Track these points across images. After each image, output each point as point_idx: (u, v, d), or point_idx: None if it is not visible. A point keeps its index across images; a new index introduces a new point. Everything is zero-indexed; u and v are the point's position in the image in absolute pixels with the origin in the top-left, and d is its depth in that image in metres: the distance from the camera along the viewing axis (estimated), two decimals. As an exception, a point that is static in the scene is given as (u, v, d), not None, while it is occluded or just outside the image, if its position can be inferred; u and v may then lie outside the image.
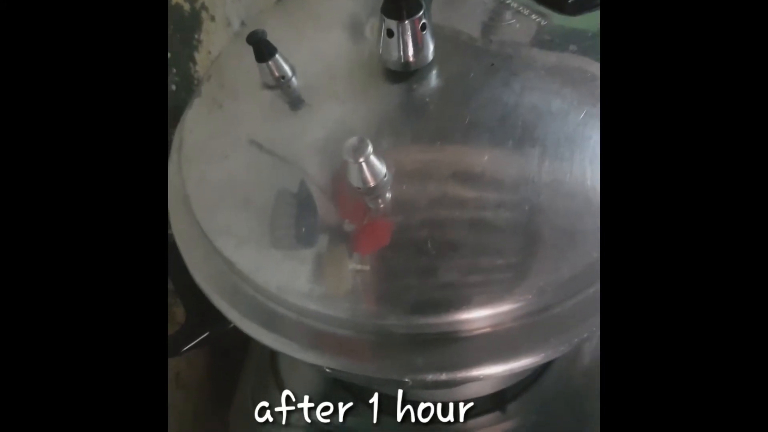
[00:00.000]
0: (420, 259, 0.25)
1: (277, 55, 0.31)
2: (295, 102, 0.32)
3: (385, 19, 0.28)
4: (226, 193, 0.30)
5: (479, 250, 0.26)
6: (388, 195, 0.27)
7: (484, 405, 0.43)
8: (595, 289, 0.26)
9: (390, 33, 0.28)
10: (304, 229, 0.28)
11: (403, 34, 0.28)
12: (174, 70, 0.48)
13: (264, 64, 0.31)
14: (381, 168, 0.26)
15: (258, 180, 0.30)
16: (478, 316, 0.25)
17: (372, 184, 0.25)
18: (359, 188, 0.26)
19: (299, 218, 0.28)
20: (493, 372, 0.26)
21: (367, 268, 0.26)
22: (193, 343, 0.33)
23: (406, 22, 0.27)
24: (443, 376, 0.26)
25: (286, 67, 0.32)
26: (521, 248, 0.26)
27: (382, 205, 0.27)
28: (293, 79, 0.32)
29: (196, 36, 0.52)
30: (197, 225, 0.29)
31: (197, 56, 0.53)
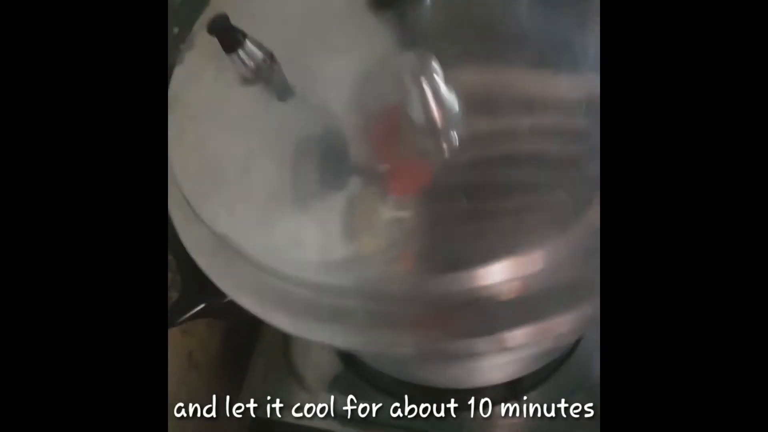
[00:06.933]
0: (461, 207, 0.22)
1: (247, 41, 0.26)
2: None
3: None
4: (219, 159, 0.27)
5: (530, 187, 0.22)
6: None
7: (499, 394, 0.41)
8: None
9: None
10: (313, 183, 0.25)
11: None
12: (176, 30, 0.45)
13: (234, 55, 0.26)
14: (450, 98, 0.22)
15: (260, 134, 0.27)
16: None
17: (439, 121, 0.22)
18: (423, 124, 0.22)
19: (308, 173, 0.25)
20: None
21: (404, 215, 0.22)
22: (188, 315, 0.31)
23: None
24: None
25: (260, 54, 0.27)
26: (573, 185, 0.22)
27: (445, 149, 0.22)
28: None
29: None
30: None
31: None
